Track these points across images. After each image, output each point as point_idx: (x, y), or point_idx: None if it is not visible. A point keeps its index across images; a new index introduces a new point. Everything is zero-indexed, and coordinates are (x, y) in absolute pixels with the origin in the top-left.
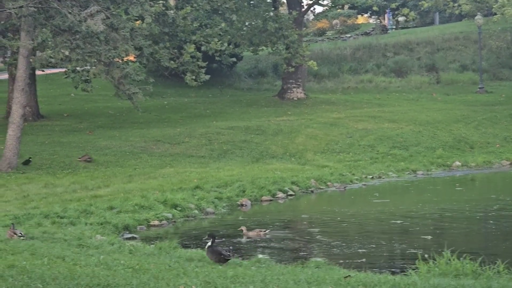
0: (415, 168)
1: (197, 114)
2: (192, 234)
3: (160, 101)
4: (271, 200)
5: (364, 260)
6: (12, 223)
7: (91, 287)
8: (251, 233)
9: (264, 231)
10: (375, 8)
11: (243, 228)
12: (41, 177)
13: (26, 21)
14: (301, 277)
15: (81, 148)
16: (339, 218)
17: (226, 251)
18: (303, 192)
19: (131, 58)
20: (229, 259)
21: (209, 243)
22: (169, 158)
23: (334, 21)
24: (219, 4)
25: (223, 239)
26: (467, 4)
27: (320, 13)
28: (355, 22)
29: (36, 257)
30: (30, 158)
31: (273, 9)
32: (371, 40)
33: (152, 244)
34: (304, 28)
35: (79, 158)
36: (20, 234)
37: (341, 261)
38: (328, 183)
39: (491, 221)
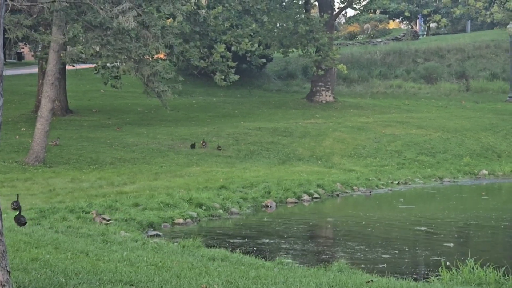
0: (441, 175)
1: (225, 114)
2: (216, 234)
3: (188, 99)
4: (296, 203)
5: (385, 265)
6: None
7: (114, 282)
8: (97, 218)
9: (108, 219)
10: (406, 13)
11: (94, 212)
12: (68, 171)
13: (58, 16)
14: (323, 280)
15: (109, 144)
16: (363, 223)
17: (24, 218)
18: (329, 195)
19: (161, 56)
20: (25, 223)
21: (17, 213)
22: (196, 157)
23: (365, 26)
24: (250, 4)
25: (246, 239)
26: (499, 13)
27: (351, 17)
28: (386, 27)
29: (60, 251)
30: (195, 142)
31: (304, 11)
32: (402, 45)
33: (176, 242)
34: (335, 32)
35: (202, 141)
36: None
37: (363, 265)
38: (354, 187)
39: None
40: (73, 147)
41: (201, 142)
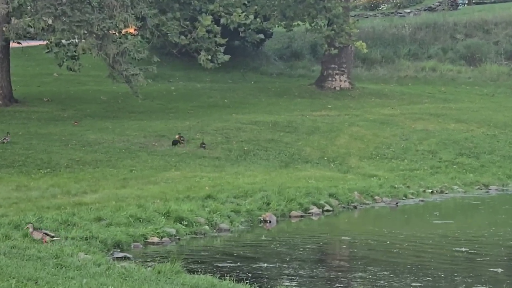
0: (487, 181)
1: (212, 104)
2: (201, 256)
3: (166, 86)
4: (302, 216)
5: None
6: None
7: None
8: (35, 234)
9: (52, 236)
10: None
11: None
12: (12, 177)
13: None
14: None
15: (64, 143)
16: (388, 242)
17: None
18: (344, 207)
19: (131, 30)
20: None
21: None
22: (175, 159)
23: None
24: None
25: (239, 263)
26: None
27: None
28: None
29: (2, 278)
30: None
31: None
32: (437, 17)
33: (149, 266)
34: (352, 0)
35: (178, 135)
36: None
37: None
38: (376, 197)
39: None
40: (19, 145)
41: (177, 136)
